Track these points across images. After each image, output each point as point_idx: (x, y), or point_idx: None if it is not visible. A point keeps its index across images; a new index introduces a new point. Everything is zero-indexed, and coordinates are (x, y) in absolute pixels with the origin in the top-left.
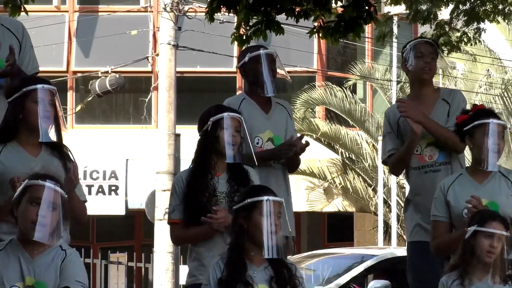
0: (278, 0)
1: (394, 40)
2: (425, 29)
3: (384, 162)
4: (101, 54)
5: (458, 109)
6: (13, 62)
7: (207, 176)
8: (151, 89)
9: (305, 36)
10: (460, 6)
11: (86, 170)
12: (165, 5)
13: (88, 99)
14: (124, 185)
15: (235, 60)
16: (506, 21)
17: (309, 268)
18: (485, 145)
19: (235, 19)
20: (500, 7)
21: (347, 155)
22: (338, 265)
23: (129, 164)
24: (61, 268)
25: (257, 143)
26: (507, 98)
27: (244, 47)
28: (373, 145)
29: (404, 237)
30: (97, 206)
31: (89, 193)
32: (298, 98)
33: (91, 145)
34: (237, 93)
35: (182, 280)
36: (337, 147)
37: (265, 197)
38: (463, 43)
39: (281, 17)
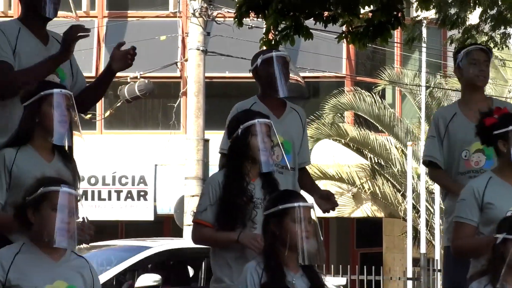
0: (306, 5)
1: (423, 44)
2: (453, 33)
3: (424, 162)
4: None
5: None
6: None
7: (243, 181)
8: (180, 94)
9: (334, 41)
10: (488, 11)
11: (115, 176)
12: (194, 10)
13: (117, 105)
14: (153, 190)
15: None
16: None
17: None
18: None
19: (264, 24)
20: None
21: (376, 160)
22: (111, 257)
23: (158, 169)
24: (87, 276)
25: None
26: None
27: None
28: (402, 150)
29: (433, 242)
30: (126, 211)
31: (118, 198)
32: (327, 103)
33: (120, 151)
34: None
35: None
36: (366, 152)
37: (297, 203)
38: (489, 48)
39: (309, 22)
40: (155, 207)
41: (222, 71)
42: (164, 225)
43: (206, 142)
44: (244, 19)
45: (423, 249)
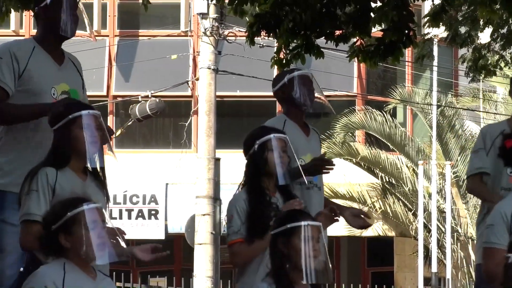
0: (318, 24)
1: (435, 63)
2: (465, 52)
3: (468, 177)
4: (141, 79)
5: None
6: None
7: (265, 196)
8: (191, 113)
9: (345, 60)
10: (499, 30)
11: (126, 195)
12: (205, 29)
13: (128, 124)
14: (164, 209)
15: None
16: None
17: None
18: None
19: (275, 43)
20: None
21: (387, 180)
22: None
23: (169, 188)
24: None
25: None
26: None
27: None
28: (413, 169)
29: (444, 261)
30: (137, 230)
31: (129, 217)
32: (337, 122)
33: (131, 170)
34: None
35: None
36: (377, 171)
37: (304, 222)
38: (499, 67)
39: (320, 41)
40: (166, 226)
41: (233, 90)
42: (175, 244)
43: (217, 161)
44: (255, 38)
45: (434, 268)
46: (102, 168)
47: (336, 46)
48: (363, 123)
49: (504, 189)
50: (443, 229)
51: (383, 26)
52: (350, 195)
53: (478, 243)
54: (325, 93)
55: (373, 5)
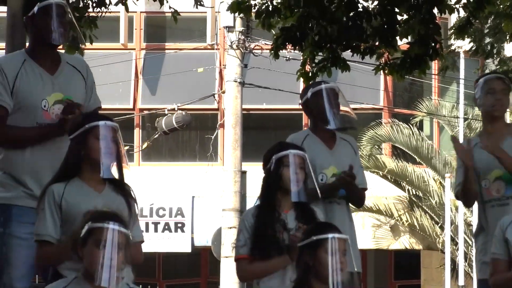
0: (343, 37)
1: (461, 75)
2: (490, 64)
3: (456, 196)
4: (167, 92)
5: None
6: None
7: (274, 212)
8: (217, 126)
9: (371, 73)
10: None
11: (153, 207)
12: (231, 42)
13: (155, 137)
14: (190, 222)
15: None
16: None
17: None
18: None
19: (301, 56)
20: None
21: (414, 192)
22: None
23: (195, 201)
24: None
25: (321, 180)
26: None
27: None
28: (440, 182)
29: (471, 274)
30: (163, 243)
31: (155, 230)
32: (364, 135)
33: (158, 183)
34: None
35: None
36: (404, 184)
37: (331, 235)
38: None
39: (346, 54)
40: (192, 239)
41: (260, 103)
42: (201, 257)
43: (243, 173)
44: (281, 51)
45: (461, 282)
46: (122, 177)
47: (362, 59)
48: (390, 136)
49: (485, 202)
50: (470, 242)
51: (409, 39)
52: (377, 208)
53: (477, 256)
54: (352, 106)
55: (399, 18)
